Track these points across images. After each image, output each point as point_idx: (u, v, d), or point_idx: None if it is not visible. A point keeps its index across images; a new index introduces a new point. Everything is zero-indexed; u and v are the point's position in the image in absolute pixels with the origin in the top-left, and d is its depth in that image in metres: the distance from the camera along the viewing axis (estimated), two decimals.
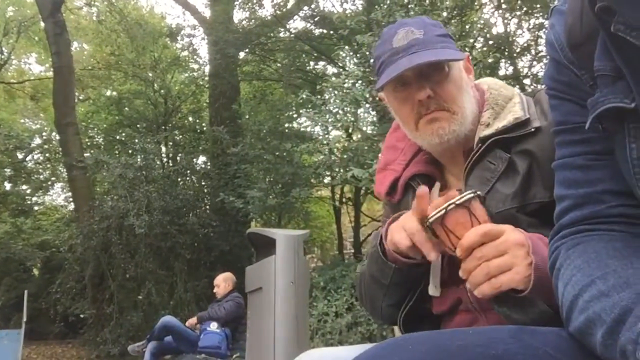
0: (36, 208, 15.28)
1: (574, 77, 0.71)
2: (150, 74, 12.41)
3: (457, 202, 0.89)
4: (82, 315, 9.55)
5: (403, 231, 0.99)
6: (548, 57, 0.77)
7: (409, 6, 6.98)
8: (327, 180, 10.68)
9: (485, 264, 0.85)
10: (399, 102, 1.13)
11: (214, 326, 5.38)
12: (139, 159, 10.28)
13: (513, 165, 1.04)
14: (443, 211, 0.89)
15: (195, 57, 12.70)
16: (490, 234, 0.86)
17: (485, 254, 0.85)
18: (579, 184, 0.73)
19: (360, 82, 7.03)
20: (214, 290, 5.87)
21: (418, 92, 1.07)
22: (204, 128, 12.53)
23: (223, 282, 5.79)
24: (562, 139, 0.76)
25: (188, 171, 10.80)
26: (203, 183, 10.79)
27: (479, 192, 0.93)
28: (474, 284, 0.87)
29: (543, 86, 0.93)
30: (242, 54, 11.12)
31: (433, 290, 1.10)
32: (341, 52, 7.90)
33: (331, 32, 9.27)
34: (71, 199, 12.07)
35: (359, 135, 8.11)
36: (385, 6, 7.00)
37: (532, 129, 1.05)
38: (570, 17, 0.70)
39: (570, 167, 0.74)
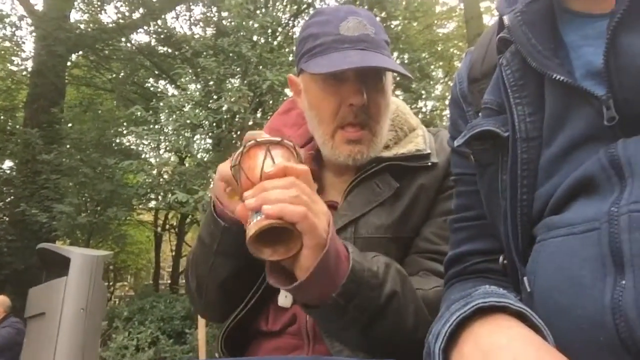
0: None
1: (460, 112, 0.75)
2: None
3: (258, 140, 0.75)
4: None
5: (218, 179, 0.85)
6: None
7: (257, 43, 7.01)
8: (152, 204, 10.07)
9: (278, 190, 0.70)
10: (324, 95, 0.99)
11: None
12: None
13: (399, 195, 1.01)
14: (242, 148, 0.75)
15: (17, 49, 11.33)
16: (289, 170, 0.73)
17: (278, 185, 0.71)
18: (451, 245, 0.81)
19: (200, 108, 6.81)
20: None
21: (354, 95, 0.96)
22: (17, 129, 11.13)
23: None
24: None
25: None
26: (4, 190, 9.47)
27: (292, 142, 0.78)
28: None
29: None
30: (73, 56, 10.22)
31: (283, 300, 0.97)
32: (182, 73, 7.61)
33: (176, 52, 8.95)
34: None
35: (195, 162, 7.79)
36: (234, 37, 6.93)
37: (429, 163, 1.02)
38: (476, 52, 0.76)
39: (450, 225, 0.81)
